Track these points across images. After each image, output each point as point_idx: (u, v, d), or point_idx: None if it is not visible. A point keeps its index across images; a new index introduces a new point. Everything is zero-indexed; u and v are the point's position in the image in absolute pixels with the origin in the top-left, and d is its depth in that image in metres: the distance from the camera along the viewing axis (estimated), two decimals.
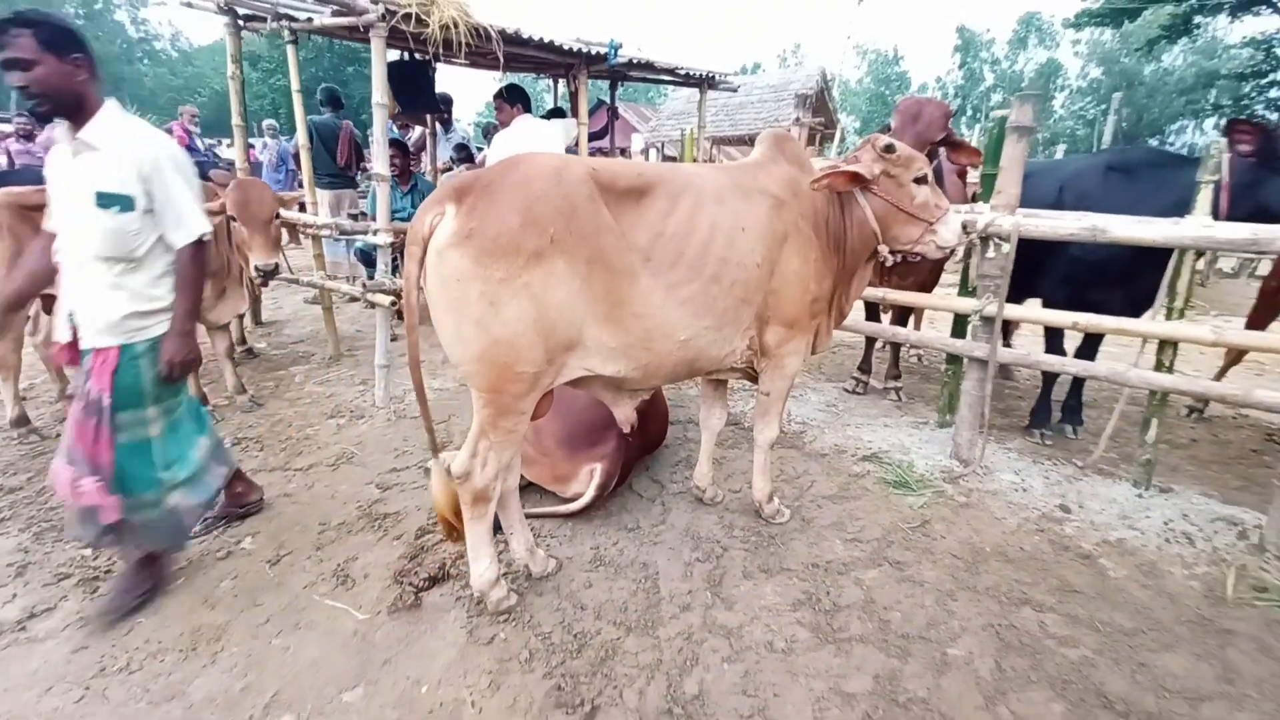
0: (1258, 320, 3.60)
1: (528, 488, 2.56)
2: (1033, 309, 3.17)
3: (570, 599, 2.08)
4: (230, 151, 6.88)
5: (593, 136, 6.26)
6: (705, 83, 5.98)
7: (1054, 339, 3.34)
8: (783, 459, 3.09)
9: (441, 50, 3.96)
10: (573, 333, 1.80)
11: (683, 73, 5.53)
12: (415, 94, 5.57)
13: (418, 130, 7.05)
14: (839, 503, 2.74)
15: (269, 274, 3.27)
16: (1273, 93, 18.33)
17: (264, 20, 3.86)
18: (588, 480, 2.44)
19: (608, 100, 7.39)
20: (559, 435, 2.53)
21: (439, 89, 6.00)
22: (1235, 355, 3.84)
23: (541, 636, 1.91)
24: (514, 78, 6.07)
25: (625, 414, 2.40)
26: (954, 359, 3.35)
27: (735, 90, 7.27)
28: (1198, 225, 2.46)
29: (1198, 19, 16.62)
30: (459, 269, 1.66)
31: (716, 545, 2.39)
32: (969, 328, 3.05)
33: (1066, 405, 3.47)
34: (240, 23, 4.01)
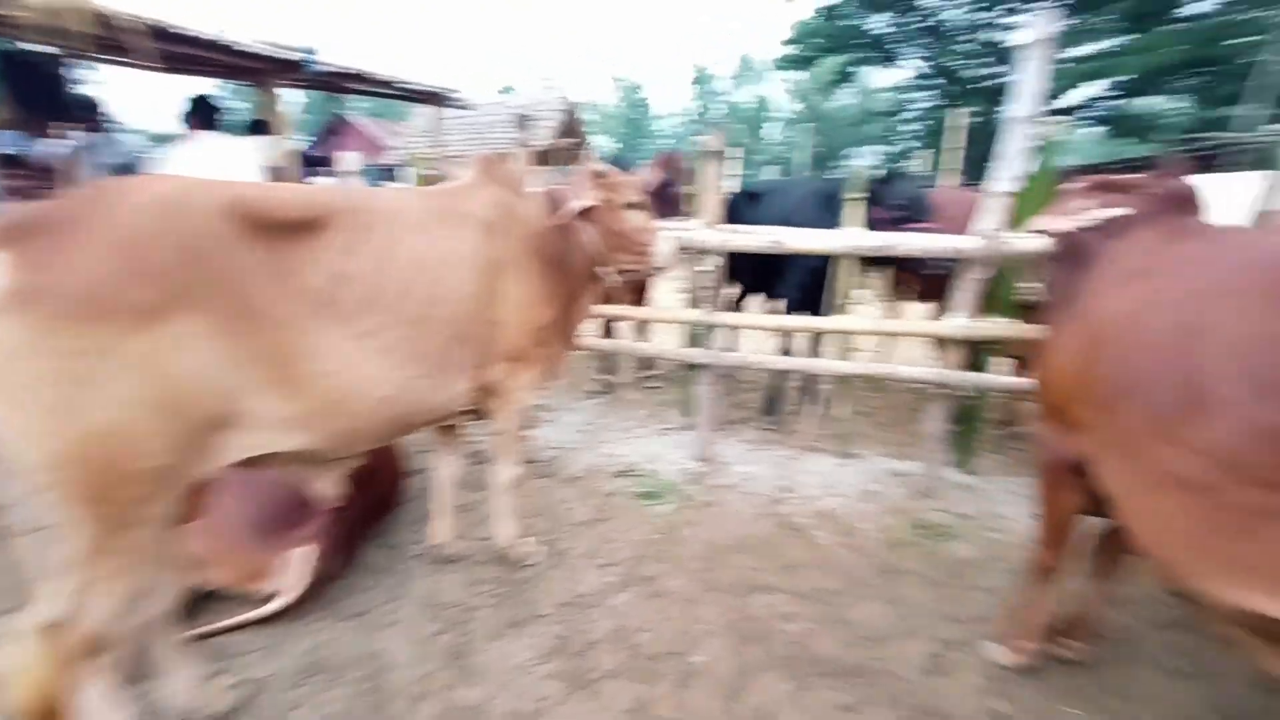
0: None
1: (209, 597, 2.04)
2: (743, 315, 3.56)
3: None
4: None
5: (317, 161, 5.54)
6: (434, 99, 5.68)
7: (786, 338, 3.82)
8: (536, 491, 2.98)
9: (70, 43, 3.07)
10: (223, 406, 1.42)
11: (402, 87, 5.16)
12: (36, 95, 4.30)
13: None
14: (594, 526, 2.71)
15: None
16: (902, 127, 24.11)
17: None
18: (292, 570, 2.02)
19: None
20: (246, 520, 2.06)
21: (93, 90, 4.74)
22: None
23: None
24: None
25: (330, 489, 2.04)
26: (691, 365, 3.60)
27: (467, 108, 7.07)
28: (849, 235, 2.96)
29: (853, 69, 21.26)
30: (18, 342, 1.19)
31: (461, 609, 2.17)
32: (698, 335, 3.29)
33: (782, 396, 3.98)
34: None
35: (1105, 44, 18.00)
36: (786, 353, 3.74)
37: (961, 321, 2.73)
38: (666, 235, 2.50)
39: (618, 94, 52.89)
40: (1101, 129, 21.32)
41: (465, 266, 1.92)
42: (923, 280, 3.59)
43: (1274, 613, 1.04)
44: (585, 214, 2.25)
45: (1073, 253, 1.82)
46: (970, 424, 3.14)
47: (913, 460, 3.32)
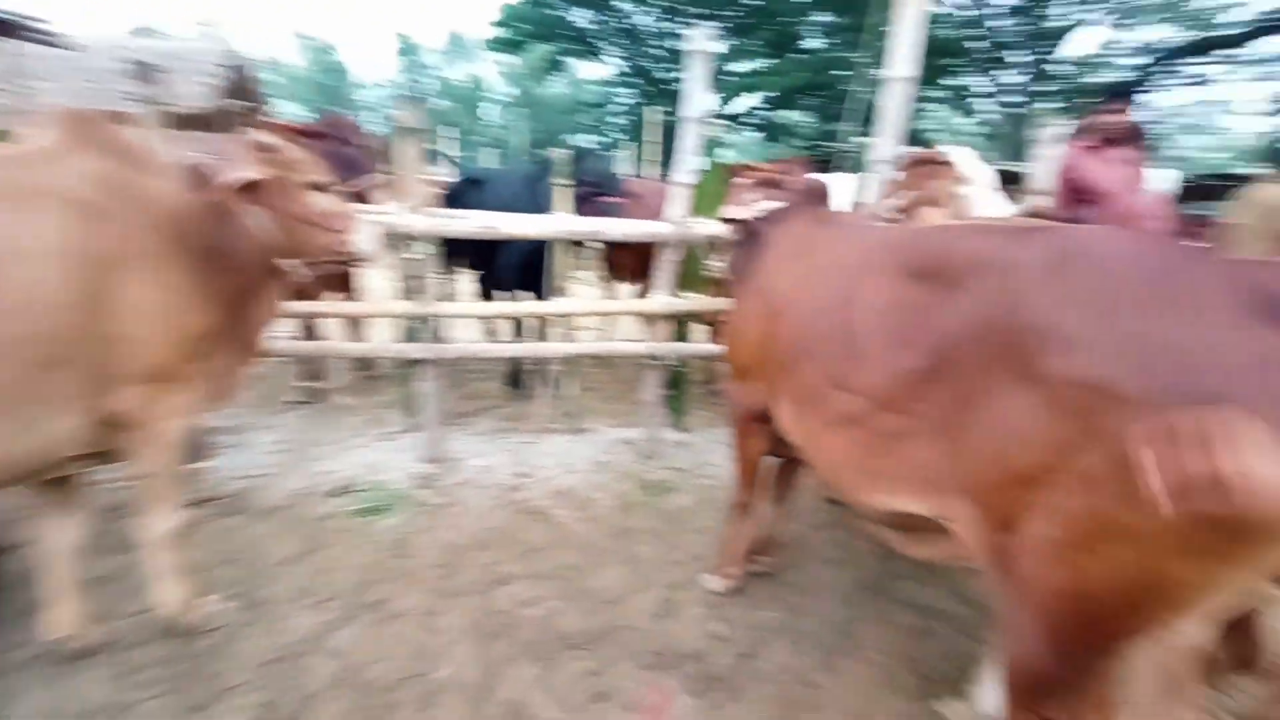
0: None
1: None
2: (459, 304, 3.43)
3: None
4: None
5: None
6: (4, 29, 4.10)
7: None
8: (221, 534, 2.43)
9: None
10: None
11: None
12: None
13: None
14: (304, 561, 2.32)
15: None
16: (611, 119, 26.01)
17: None
18: None
19: None
20: None
21: None
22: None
23: None
24: None
25: None
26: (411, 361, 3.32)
27: (65, 47, 5.27)
28: (561, 220, 3.03)
29: (561, 59, 22.01)
30: None
31: (110, 713, 1.65)
32: (414, 329, 3.04)
33: (516, 377, 3.96)
34: None
35: (757, 64, 21.76)
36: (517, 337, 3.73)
37: (663, 299, 3.03)
38: (367, 221, 2.19)
39: (306, 55, 45.88)
40: (759, 134, 25.94)
41: (49, 264, 1.41)
42: (631, 262, 3.92)
43: (906, 509, 1.37)
44: (250, 193, 1.83)
45: (748, 237, 2.15)
46: (679, 388, 3.55)
47: (636, 428, 3.62)
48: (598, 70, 23.93)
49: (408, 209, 2.82)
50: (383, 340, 3.99)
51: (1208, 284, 0.97)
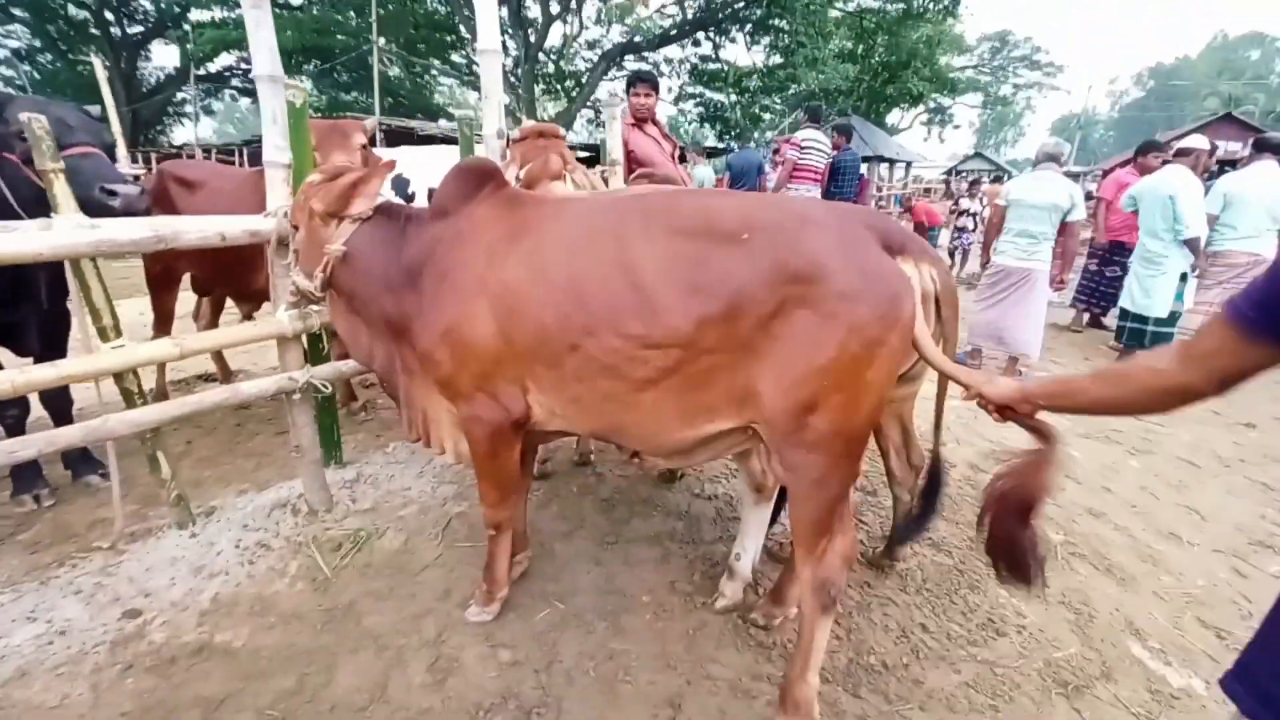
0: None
1: None
2: None
3: None
4: None
5: None
6: None
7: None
8: None
9: None
10: None
11: None
12: None
13: None
14: None
15: None
16: None
17: None
18: None
19: None
20: None
21: None
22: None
23: None
24: None
25: None
26: None
27: None
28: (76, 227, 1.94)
29: None
30: None
31: None
32: None
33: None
34: None
35: (236, 12, 18.17)
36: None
37: (293, 314, 2.34)
38: None
39: None
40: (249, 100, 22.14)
41: None
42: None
43: (721, 428, 1.57)
44: None
45: (385, 240, 1.82)
46: (328, 416, 2.89)
47: (279, 483, 2.82)
48: None
49: None
50: None
51: (867, 230, 1.44)
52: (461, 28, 22.16)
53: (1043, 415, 1.22)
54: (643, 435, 1.67)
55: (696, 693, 1.81)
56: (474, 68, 25.28)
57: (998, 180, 20.95)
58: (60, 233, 1.80)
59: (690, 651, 1.96)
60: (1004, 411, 1.24)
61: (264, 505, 2.63)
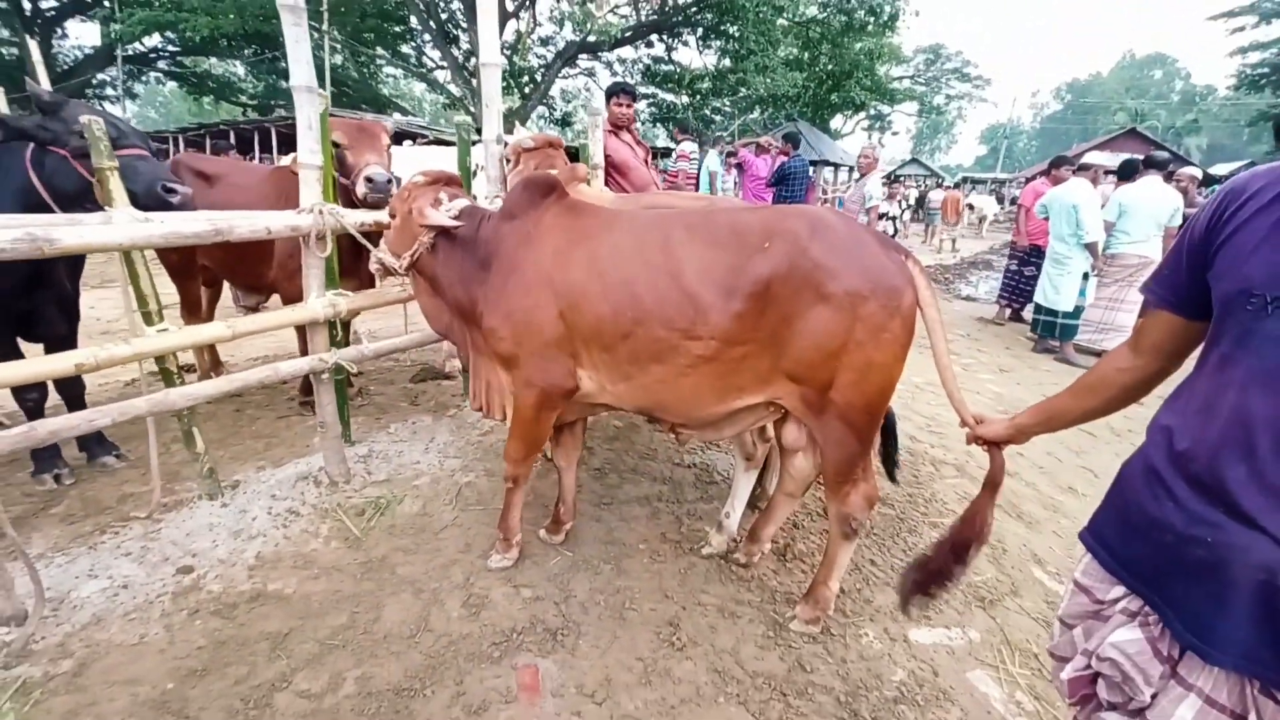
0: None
1: None
2: None
3: None
4: None
5: None
6: None
7: None
8: None
9: None
10: None
11: None
12: None
13: None
14: None
15: None
16: None
17: None
18: None
19: None
20: None
21: None
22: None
23: None
24: None
25: None
26: None
27: None
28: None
29: None
30: None
31: None
32: None
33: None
34: None
35: None
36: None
37: (328, 299, 2.58)
38: None
39: None
40: (177, 84, 21.05)
41: None
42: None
43: (748, 404, 1.92)
44: None
45: (464, 236, 2.12)
46: (340, 397, 3.10)
47: (301, 458, 3.03)
48: None
49: None
50: None
51: (868, 233, 1.82)
52: (412, 19, 21.78)
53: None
54: (683, 410, 2.01)
55: (691, 615, 2.19)
56: (423, 59, 24.85)
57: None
58: (136, 226, 2.01)
59: (683, 585, 2.34)
60: (997, 444, 1.44)
61: (287, 478, 2.85)
